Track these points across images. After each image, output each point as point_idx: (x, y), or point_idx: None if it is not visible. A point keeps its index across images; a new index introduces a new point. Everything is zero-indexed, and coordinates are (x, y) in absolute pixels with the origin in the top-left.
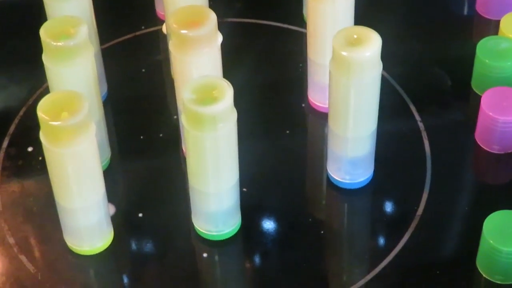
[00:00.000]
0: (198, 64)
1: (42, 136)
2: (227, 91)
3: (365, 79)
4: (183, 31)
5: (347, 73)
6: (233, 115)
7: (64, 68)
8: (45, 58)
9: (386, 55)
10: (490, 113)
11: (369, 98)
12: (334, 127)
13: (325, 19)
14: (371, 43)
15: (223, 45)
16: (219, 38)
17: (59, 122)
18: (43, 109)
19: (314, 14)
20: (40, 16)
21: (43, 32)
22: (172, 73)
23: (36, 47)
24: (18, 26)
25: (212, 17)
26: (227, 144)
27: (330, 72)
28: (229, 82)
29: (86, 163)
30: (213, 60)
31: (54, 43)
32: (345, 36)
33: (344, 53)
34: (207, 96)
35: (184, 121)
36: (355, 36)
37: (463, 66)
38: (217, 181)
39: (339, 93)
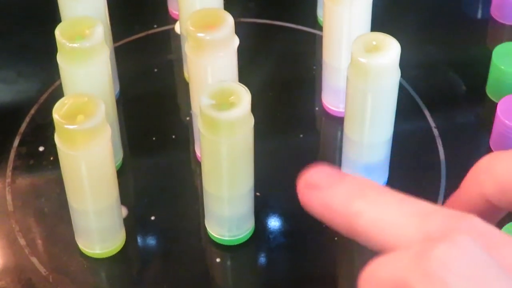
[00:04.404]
0: (214, 67)
1: (57, 139)
2: (245, 97)
3: (383, 86)
4: (200, 34)
5: (365, 79)
6: (250, 121)
7: (79, 69)
8: (59, 58)
9: (400, 60)
10: (506, 121)
11: (387, 105)
12: (350, 133)
13: (341, 22)
14: (390, 50)
15: None
16: (236, 41)
17: (75, 126)
18: (58, 112)
19: (330, 16)
20: (53, 12)
21: (59, 32)
22: (185, 74)
23: (46, 43)
24: (29, 21)
25: (229, 20)
26: (243, 150)
27: (347, 78)
28: (246, 88)
29: (101, 166)
30: (229, 64)
31: (70, 44)
32: (364, 42)
33: (362, 60)
34: (224, 102)
35: (200, 126)
36: (374, 43)
37: (477, 71)
38: (232, 186)
39: (356, 99)
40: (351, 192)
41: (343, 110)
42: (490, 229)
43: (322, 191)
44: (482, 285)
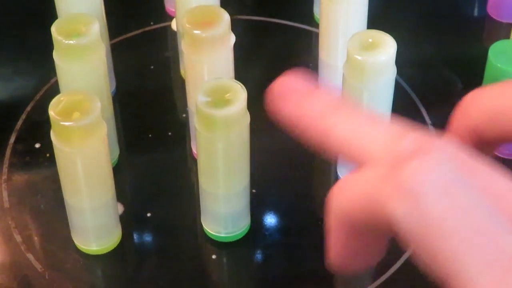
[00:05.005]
0: (210, 64)
1: (53, 136)
2: (241, 94)
3: (379, 83)
4: (196, 32)
5: (361, 77)
6: (246, 118)
7: (75, 66)
8: (56, 55)
9: (397, 57)
10: None
11: (383, 102)
12: None
13: (338, 19)
14: (386, 48)
15: None
16: (232, 38)
17: (71, 123)
18: (54, 109)
19: (326, 14)
20: (49, 9)
21: (55, 29)
22: (181, 71)
23: (43, 41)
24: (25, 18)
25: (226, 17)
26: (239, 147)
27: (343, 76)
28: (242, 85)
29: (97, 163)
30: (225, 61)
31: (66, 41)
32: (360, 39)
33: (358, 57)
34: (220, 99)
35: (196, 123)
36: (370, 40)
37: (474, 69)
38: (228, 183)
39: (353, 97)
40: (323, 106)
41: None
42: (462, 152)
43: (295, 102)
44: (453, 199)
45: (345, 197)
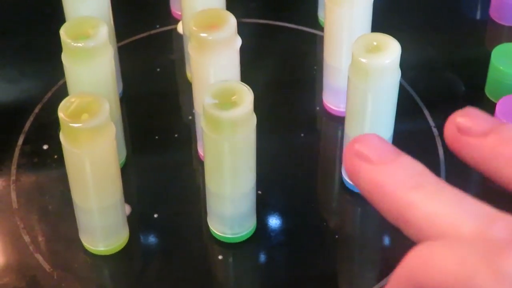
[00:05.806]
0: (217, 67)
1: (62, 137)
2: (247, 96)
3: (383, 86)
4: (203, 34)
5: (365, 79)
6: (253, 120)
7: (84, 68)
8: (64, 58)
9: (400, 60)
10: (505, 121)
11: (387, 105)
12: (350, 132)
13: (342, 23)
14: (391, 51)
15: None
16: (238, 41)
17: (80, 124)
18: (64, 111)
19: (331, 17)
20: (57, 12)
21: (63, 32)
22: (187, 74)
23: (50, 43)
24: (34, 21)
25: (232, 20)
26: (245, 148)
27: (348, 78)
28: (249, 87)
29: (105, 164)
30: (231, 63)
31: (74, 44)
32: (364, 42)
33: (363, 60)
34: (227, 101)
35: (203, 125)
36: (374, 43)
37: (476, 72)
38: (235, 185)
39: (357, 99)
40: (406, 178)
41: (344, 110)
42: None
43: (374, 166)
44: None
45: (426, 267)
